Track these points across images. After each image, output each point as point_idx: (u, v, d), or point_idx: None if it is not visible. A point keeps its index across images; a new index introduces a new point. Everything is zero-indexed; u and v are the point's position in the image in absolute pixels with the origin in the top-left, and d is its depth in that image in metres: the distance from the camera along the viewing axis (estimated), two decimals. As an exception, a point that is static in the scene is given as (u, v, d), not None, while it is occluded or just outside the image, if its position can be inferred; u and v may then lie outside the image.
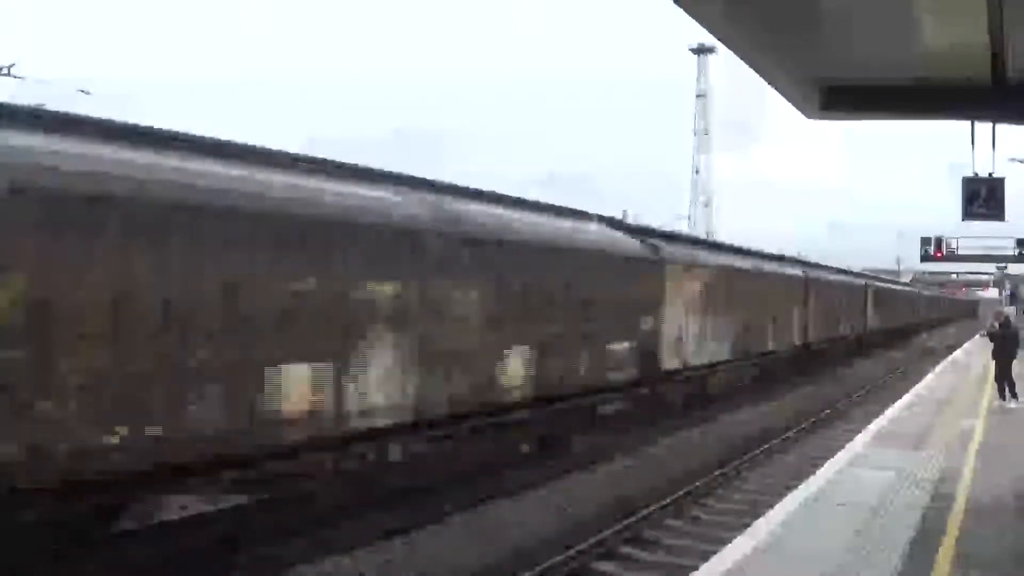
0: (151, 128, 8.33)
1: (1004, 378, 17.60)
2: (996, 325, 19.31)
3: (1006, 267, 46.58)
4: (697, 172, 61.47)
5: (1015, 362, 18.02)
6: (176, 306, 7.48)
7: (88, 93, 14.63)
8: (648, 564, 9.99)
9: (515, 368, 12.14)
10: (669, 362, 17.05)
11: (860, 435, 13.98)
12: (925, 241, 30.88)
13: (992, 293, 76.77)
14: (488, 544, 9.90)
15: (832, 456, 12.23)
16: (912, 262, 53.06)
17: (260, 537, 8.77)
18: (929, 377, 24.48)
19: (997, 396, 17.68)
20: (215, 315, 7.82)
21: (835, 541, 7.71)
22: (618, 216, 19.22)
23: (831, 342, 31.56)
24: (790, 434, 17.91)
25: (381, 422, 9.71)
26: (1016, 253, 30.60)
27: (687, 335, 17.89)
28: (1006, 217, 11.58)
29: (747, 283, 21.88)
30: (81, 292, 6.82)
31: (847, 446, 12.97)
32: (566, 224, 14.86)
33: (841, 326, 33.47)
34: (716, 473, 13.90)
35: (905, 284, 67.86)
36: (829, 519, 8.58)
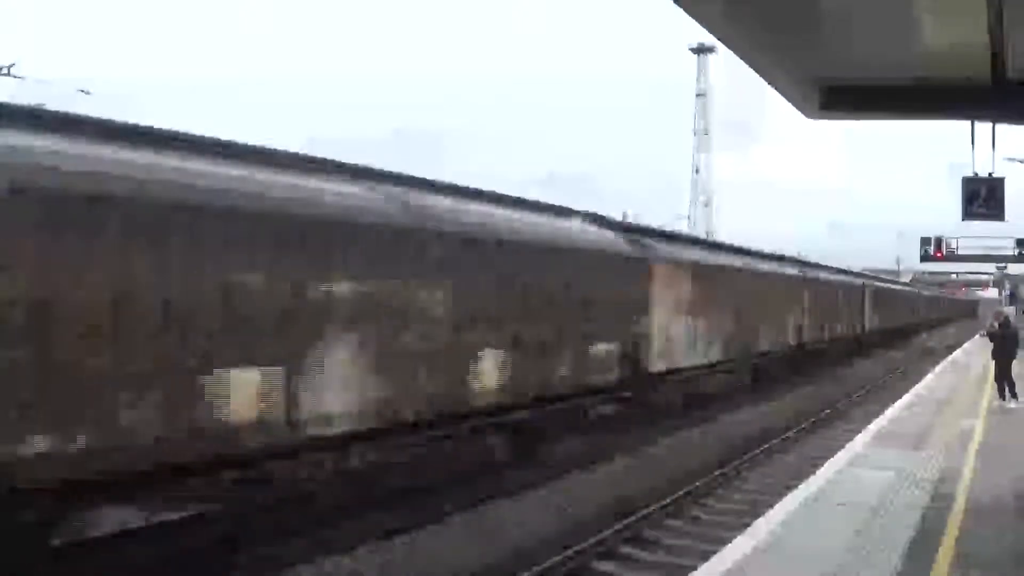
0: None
1: (1004, 378, 17.60)
2: (996, 325, 19.31)
3: (1006, 267, 46.64)
4: (697, 172, 61.53)
5: (1015, 362, 18.02)
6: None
7: (88, 93, 14.62)
8: (648, 564, 10.01)
9: (488, 371, 11.58)
10: (656, 364, 16.47)
11: (860, 435, 13.98)
12: (925, 241, 30.94)
13: (992, 293, 76.85)
14: (488, 544, 9.91)
15: (832, 456, 12.23)
16: (912, 262, 53.24)
17: (260, 537, 8.76)
18: (929, 377, 24.48)
19: (997, 396, 17.68)
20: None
21: (835, 541, 7.71)
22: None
23: (828, 343, 31.45)
24: (790, 434, 17.92)
25: (338, 429, 9.14)
26: (1016, 253, 30.64)
27: (676, 336, 17.37)
28: (1006, 217, 11.57)
29: (740, 282, 21.48)
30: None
31: (847, 446, 12.97)
32: (543, 220, 14.23)
33: (838, 326, 33.38)
34: (716, 473, 13.91)
35: (905, 284, 67.88)
36: (829, 519, 8.58)
